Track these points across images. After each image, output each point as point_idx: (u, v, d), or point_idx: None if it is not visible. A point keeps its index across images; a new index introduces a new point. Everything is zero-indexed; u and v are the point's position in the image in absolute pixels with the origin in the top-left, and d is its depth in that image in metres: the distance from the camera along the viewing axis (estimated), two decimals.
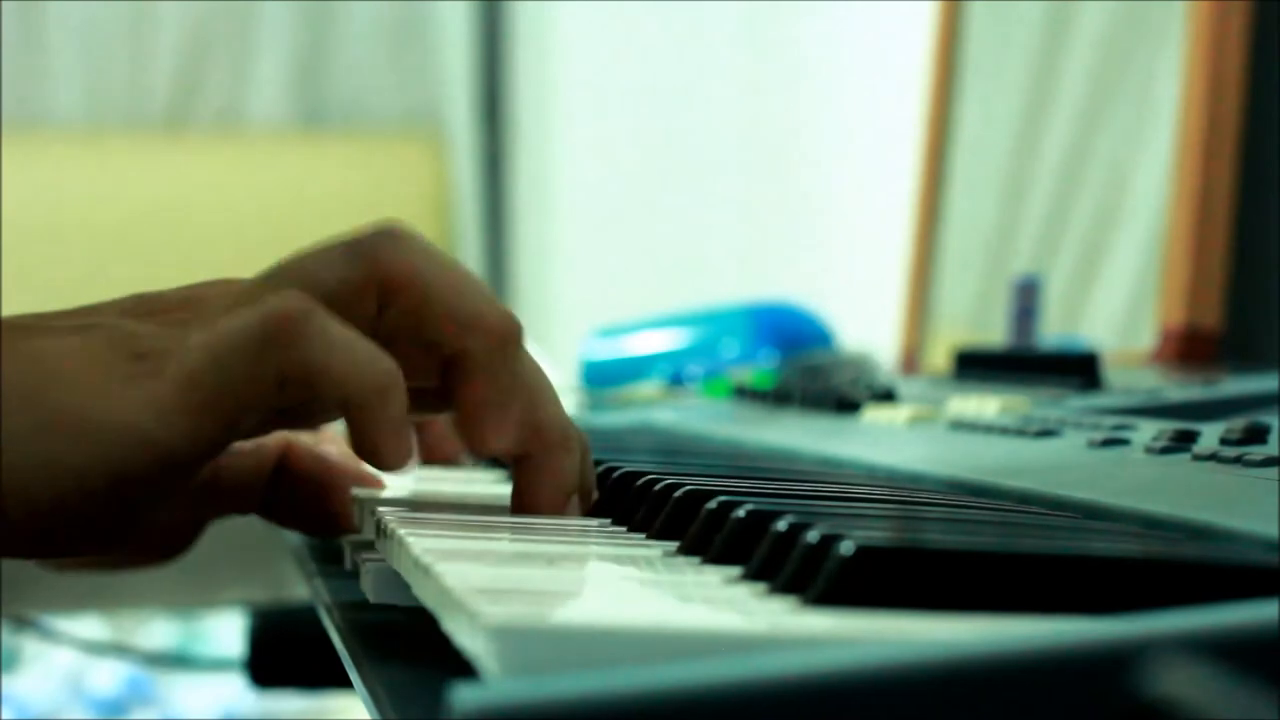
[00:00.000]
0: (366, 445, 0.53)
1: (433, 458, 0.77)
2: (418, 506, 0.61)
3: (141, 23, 2.94)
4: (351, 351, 0.52)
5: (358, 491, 0.65)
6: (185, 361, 0.53)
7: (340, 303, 0.54)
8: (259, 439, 0.65)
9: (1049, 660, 0.31)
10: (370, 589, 0.52)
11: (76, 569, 0.76)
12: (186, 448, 0.53)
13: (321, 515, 0.67)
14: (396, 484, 0.66)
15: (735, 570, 0.44)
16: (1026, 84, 1.43)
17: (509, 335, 0.55)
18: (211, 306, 0.55)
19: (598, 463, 0.63)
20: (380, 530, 0.54)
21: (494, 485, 0.73)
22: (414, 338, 0.56)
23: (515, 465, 0.57)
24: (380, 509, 0.56)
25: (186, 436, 0.53)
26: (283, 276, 0.55)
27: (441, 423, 0.74)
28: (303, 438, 0.68)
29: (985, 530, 0.48)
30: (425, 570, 0.44)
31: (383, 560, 0.52)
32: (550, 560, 0.47)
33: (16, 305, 0.62)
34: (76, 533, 0.55)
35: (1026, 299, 1.14)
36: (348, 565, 0.59)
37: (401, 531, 0.50)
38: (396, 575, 0.50)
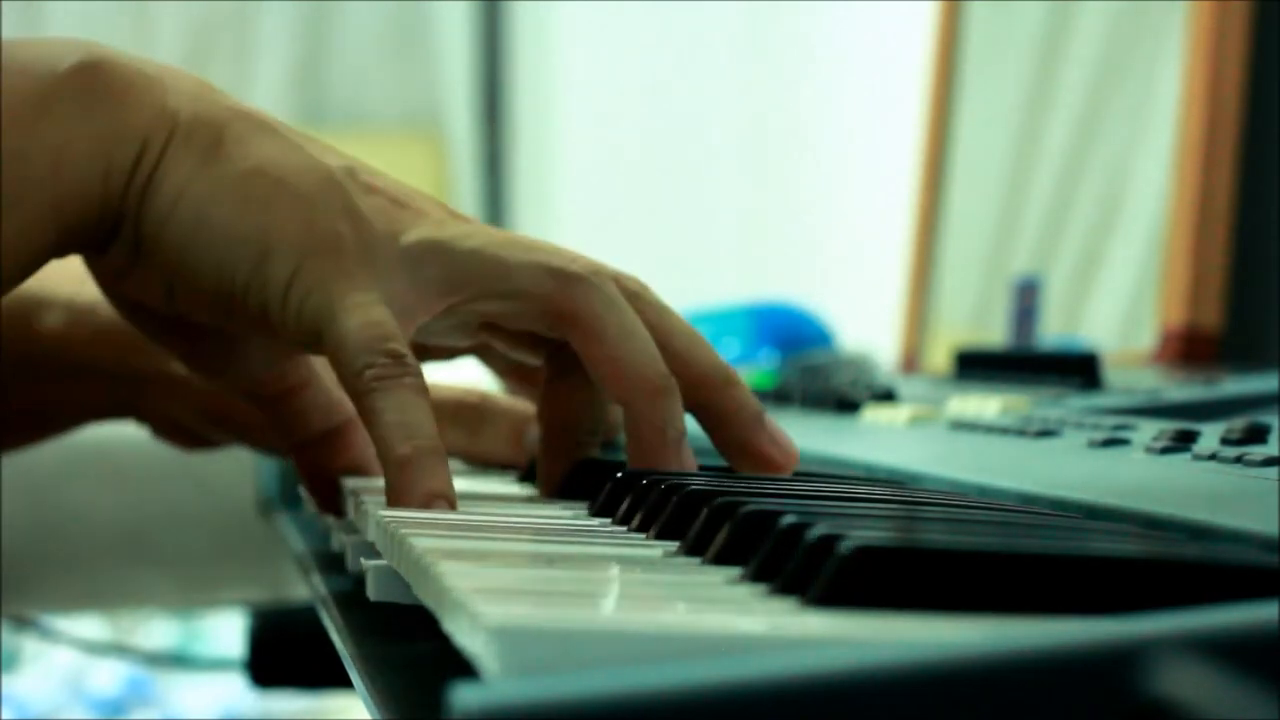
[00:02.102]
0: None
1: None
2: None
3: (141, 23, 2.94)
4: (400, 428, 0.58)
5: (360, 493, 0.65)
6: (341, 308, 0.59)
7: (516, 305, 0.61)
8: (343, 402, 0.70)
9: (1049, 660, 0.31)
10: (372, 588, 0.52)
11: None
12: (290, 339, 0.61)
13: (336, 501, 0.70)
14: None
15: (736, 571, 0.44)
16: (1026, 84, 1.43)
17: (660, 393, 0.61)
18: (405, 232, 0.61)
19: (598, 464, 0.64)
20: (381, 531, 0.54)
21: (495, 485, 0.73)
22: (581, 368, 0.63)
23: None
24: (381, 510, 0.56)
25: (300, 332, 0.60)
26: (486, 259, 0.61)
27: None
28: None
29: (985, 530, 0.48)
30: (425, 570, 0.44)
31: (384, 561, 0.52)
32: (550, 560, 0.47)
33: None
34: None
35: (1026, 299, 1.14)
36: (349, 567, 0.59)
37: (402, 532, 0.50)
38: (397, 574, 0.50)
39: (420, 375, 0.59)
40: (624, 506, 0.56)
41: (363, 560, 0.53)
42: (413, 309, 0.61)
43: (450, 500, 0.57)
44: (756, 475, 0.63)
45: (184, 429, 0.81)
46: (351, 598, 0.61)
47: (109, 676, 2.46)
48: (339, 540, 0.63)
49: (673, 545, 0.50)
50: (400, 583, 0.49)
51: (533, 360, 0.67)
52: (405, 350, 0.59)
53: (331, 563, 0.68)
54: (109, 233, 0.61)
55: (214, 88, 0.63)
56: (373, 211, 0.61)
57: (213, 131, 0.61)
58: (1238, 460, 0.57)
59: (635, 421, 0.61)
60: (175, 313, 0.63)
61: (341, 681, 0.60)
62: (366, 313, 0.59)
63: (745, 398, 0.64)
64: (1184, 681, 0.27)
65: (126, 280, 0.63)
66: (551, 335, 0.63)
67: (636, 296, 0.63)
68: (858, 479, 0.68)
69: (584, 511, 0.60)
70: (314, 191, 0.61)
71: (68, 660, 2.42)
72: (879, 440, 0.84)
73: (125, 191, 0.60)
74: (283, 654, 1.12)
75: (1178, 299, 1.15)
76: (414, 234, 0.61)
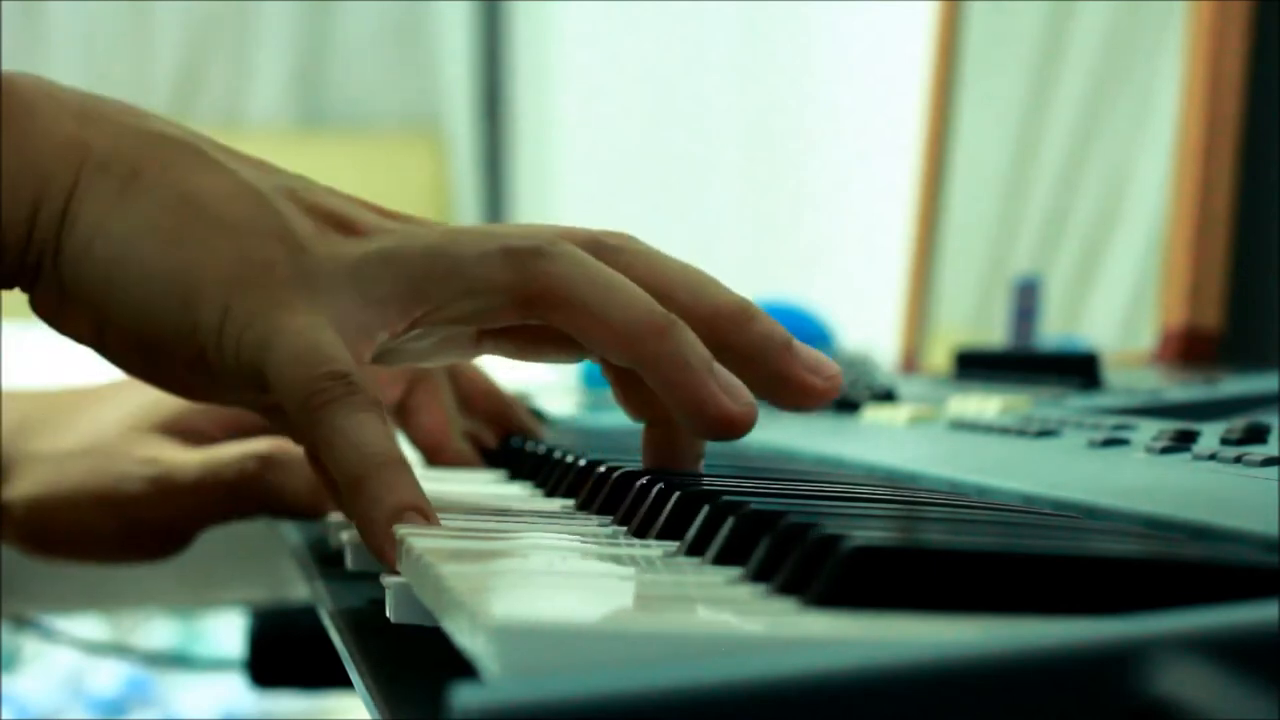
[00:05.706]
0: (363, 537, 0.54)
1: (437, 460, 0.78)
2: None
3: (142, 22, 2.94)
4: (352, 449, 0.54)
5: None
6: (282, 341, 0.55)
7: (481, 302, 0.56)
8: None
9: (1049, 660, 0.31)
10: (392, 608, 0.50)
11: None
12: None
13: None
14: None
15: (736, 571, 0.44)
16: (1026, 84, 1.43)
17: (662, 332, 0.56)
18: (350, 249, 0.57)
19: (599, 464, 0.63)
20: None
21: (495, 486, 0.73)
22: (571, 342, 0.58)
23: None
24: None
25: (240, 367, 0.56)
26: (437, 260, 0.56)
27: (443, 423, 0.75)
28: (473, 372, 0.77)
29: (985, 530, 0.48)
30: (425, 570, 0.44)
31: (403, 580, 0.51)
32: (550, 561, 0.47)
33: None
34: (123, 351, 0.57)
35: (1026, 299, 1.14)
36: (345, 564, 0.58)
37: (403, 532, 0.50)
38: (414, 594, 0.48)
39: (367, 392, 0.54)
40: (624, 506, 0.56)
41: (383, 577, 0.51)
42: (369, 327, 0.56)
43: (422, 510, 0.52)
44: (756, 475, 0.63)
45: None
46: (351, 597, 0.61)
47: (109, 676, 2.46)
48: (336, 539, 0.63)
49: (673, 545, 0.50)
50: (420, 604, 0.47)
51: (565, 360, 0.61)
52: (349, 369, 0.54)
53: (332, 563, 0.68)
54: (31, 268, 0.57)
55: (141, 113, 0.58)
56: (312, 232, 0.56)
57: (131, 161, 0.56)
58: (1237, 460, 0.57)
59: (654, 368, 0.56)
60: (111, 358, 0.58)
61: (341, 681, 0.60)
62: (303, 339, 0.54)
63: (769, 328, 0.58)
64: (1184, 681, 0.27)
65: (62, 319, 0.58)
66: (536, 323, 0.57)
67: (620, 250, 0.59)
68: (857, 479, 0.68)
69: (584, 511, 0.60)
70: (242, 219, 0.56)
71: (68, 660, 2.42)
72: (879, 440, 0.84)
73: (32, 226, 0.56)
74: (283, 654, 1.12)
75: (1178, 299, 1.15)
76: (360, 250, 0.56)
